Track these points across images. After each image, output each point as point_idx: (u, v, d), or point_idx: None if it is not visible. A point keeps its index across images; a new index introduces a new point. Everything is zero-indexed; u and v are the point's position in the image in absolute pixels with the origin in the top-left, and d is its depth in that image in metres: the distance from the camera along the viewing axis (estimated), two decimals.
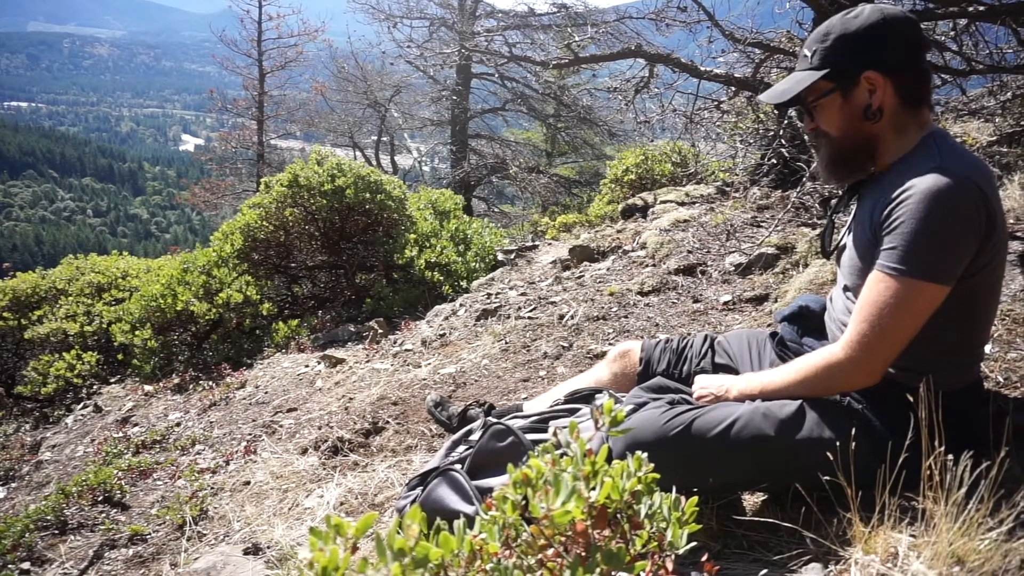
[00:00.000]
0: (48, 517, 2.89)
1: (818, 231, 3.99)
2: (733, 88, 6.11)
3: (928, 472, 1.32)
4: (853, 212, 1.75)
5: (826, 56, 1.61)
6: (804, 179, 4.49)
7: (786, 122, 4.88)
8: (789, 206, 4.43)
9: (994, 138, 4.93)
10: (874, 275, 1.51)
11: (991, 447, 1.41)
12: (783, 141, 4.92)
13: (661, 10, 6.10)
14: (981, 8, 4.55)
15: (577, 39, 7.51)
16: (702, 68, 5.90)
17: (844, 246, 1.74)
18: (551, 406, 2.16)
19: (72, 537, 2.82)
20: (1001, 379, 2.13)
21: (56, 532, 2.84)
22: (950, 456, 1.30)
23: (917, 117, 1.60)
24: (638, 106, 6.62)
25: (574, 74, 16.04)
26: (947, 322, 1.51)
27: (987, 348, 2.18)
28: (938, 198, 1.43)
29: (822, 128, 1.69)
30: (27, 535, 2.79)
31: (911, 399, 1.43)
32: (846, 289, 1.69)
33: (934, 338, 1.52)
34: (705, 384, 1.80)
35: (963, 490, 1.27)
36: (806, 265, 3.73)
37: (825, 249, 1.87)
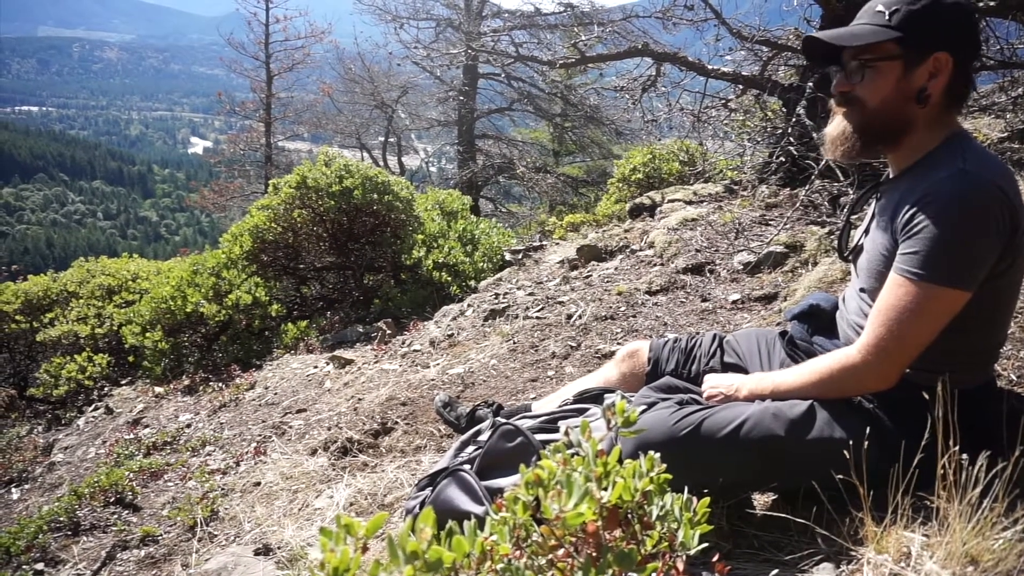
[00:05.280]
0: (61, 518, 2.91)
1: (827, 229, 3.97)
2: (741, 86, 6.09)
3: (942, 471, 1.31)
4: (871, 213, 1.71)
5: (910, 19, 1.47)
6: (813, 177, 4.46)
7: (794, 120, 4.85)
8: (798, 204, 4.41)
9: (1005, 134, 4.89)
10: (893, 279, 1.48)
11: (1005, 446, 1.40)
12: (791, 139, 4.89)
13: (668, 8, 6.10)
14: (992, 3, 4.52)
15: (584, 38, 7.50)
16: (709, 66, 5.89)
17: (861, 247, 1.70)
18: (560, 406, 2.16)
19: (85, 538, 2.84)
20: (1014, 377, 2.12)
21: (69, 533, 2.86)
22: (964, 455, 1.29)
23: (949, 116, 1.55)
24: (645, 105, 6.62)
25: (581, 73, 16.00)
26: (965, 324, 1.48)
27: None
28: (962, 203, 1.40)
29: (858, 94, 1.56)
30: (41, 536, 2.81)
31: (925, 398, 1.42)
32: (862, 291, 1.66)
33: (951, 339, 1.49)
34: (715, 383, 1.79)
35: (978, 489, 1.26)
36: (815, 263, 3.71)
37: (841, 250, 1.84)
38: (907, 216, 1.47)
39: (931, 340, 1.48)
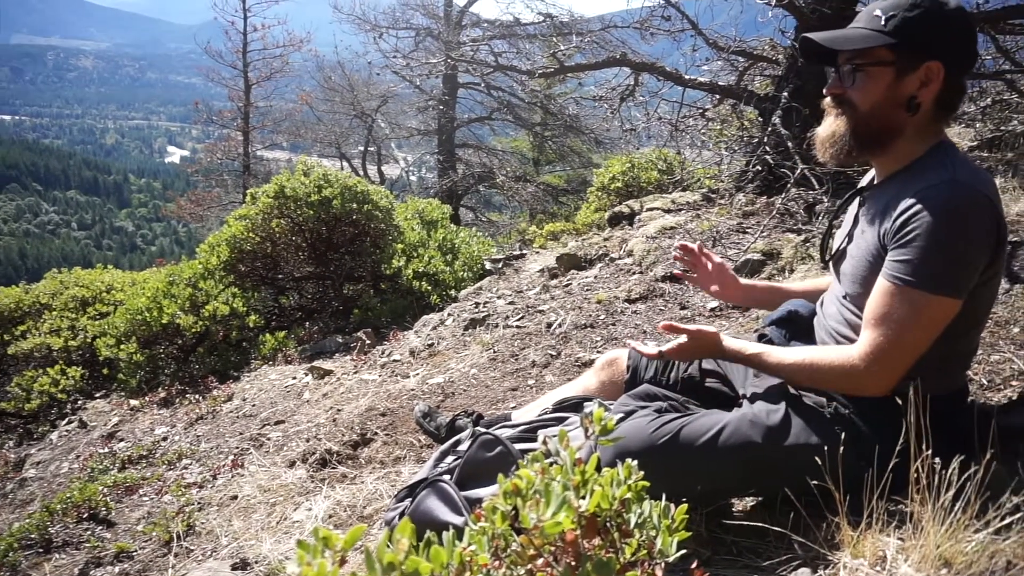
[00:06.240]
0: (32, 535, 2.85)
1: (803, 237, 4.02)
2: (717, 96, 6.17)
3: (915, 475, 1.33)
4: (852, 218, 1.72)
5: (905, 26, 1.47)
6: (789, 185, 4.52)
7: (770, 129, 4.92)
8: (774, 212, 4.46)
9: (975, 143, 5.00)
10: (887, 287, 1.48)
11: (976, 449, 1.42)
12: (767, 148, 4.96)
13: (645, 19, 6.16)
14: None
15: (563, 48, 7.55)
16: (686, 76, 5.96)
17: (843, 253, 1.69)
18: (539, 415, 2.16)
19: (57, 555, 2.78)
20: (985, 381, 2.16)
21: (41, 550, 2.80)
22: (937, 459, 1.31)
23: (937, 125, 1.56)
24: (624, 114, 6.66)
25: (560, 83, 16.10)
26: (948, 332, 1.48)
27: None
28: (955, 211, 1.41)
29: (849, 97, 1.56)
30: (11, 554, 2.74)
31: (899, 403, 1.44)
32: (845, 297, 1.65)
33: (934, 347, 1.50)
34: (695, 333, 1.73)
35: (950, 493, 1.28)
36: (792, 271, 3.76)
37: (824, 255, 1.84)
38: (898, 223, 1.47)
39: (927, 348, 1.48)
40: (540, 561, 0.95)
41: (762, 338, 2.00)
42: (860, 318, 1.59)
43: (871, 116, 1.54)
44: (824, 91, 1.63)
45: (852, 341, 1.61)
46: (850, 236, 1.69)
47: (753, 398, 1.74)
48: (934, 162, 1.52)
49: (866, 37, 1.51)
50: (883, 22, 1.49)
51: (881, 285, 1.50)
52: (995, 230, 1.44)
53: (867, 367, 1.50)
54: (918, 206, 1.44)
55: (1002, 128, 5.06)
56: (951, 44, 1.49)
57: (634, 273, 4.56)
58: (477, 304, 4.84)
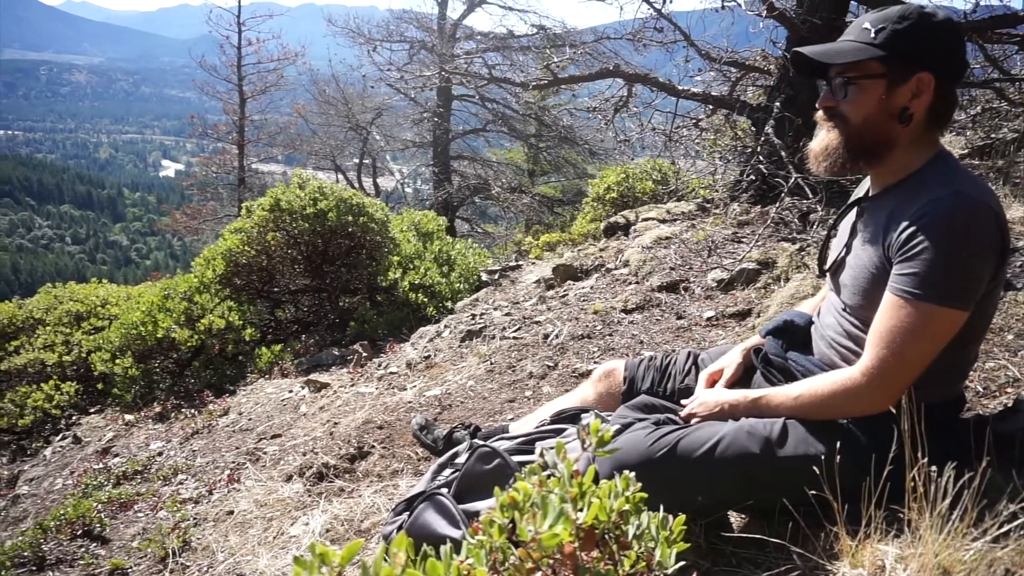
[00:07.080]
0: (25, 553, 2.82)
1: (798, 246, 4.04)
2: (710, 106, 6.21)
3: (912, 484, 1.33)
4: (849, 229, 1.71)
5: (894, 38, 1.48)
6: (783, 194, 4.54)
7: (763, 139, 4.95)
8: (768, 221, 4.48)
9: (965, 151, 5.03)
10: (893, 300, 1.47)
11: (973, 457, 1.42)
12: (761, 157, 4.99)
13: (638, 31, 6.21)
14: None
15: (556, 60, 7.60)
16: (679, 87, 6.00)
17: (842, 263, 1.69)
18: (537, 427, 2.15)
19: (51, 573, 2.75)
20: (981, 388, 2.16)
21: (34, 569, 2.78)
22: (933, 468, 1.31)
23: (932, 136, 1.57)
24: (618, 125, 6.70)
25: (554, 94, 16.18)
26: (953, 342, 1.48)
27: None
28: (962, 223, 1.42)
29: (842, 110, 1.57)
30: (4, 572, 2.72)
31: (894, 412, 1.44)
32: (845, 309, 1.65)
33: (937, 358, 1.49)
34: (703, 401, 1.79)
35: (947, 501, 1.28)
36: (787, 279, 3.77)
37: (822, 266, 1.83)
38: (903, 236, 1.46)
39: (932, 360, 1.47)
40: (538, 574, 0.95)
41: (757, 352, 1.99)
42: (860, 329, 1.59)
43: (864, 128, 1.54)
44: (816, 105, 1.64)
45: (853, 351, 1.61)
46: (848, 247, 1.69)
47: None
48: (935, 173, 1.52)
49: (856, 50, 1.52)
50: (873, 35, 1.51)
51: (888, 299, 1.49)
52: (999, 240, 1.45)
53: (870, 382, 1.49)
54: (923, 219, 1.44)
55: (992, 136, 5.10)
56: (940, 55, 1.51)
57: (630, 283, 4.56)
58: (473, 316, 4.84)
